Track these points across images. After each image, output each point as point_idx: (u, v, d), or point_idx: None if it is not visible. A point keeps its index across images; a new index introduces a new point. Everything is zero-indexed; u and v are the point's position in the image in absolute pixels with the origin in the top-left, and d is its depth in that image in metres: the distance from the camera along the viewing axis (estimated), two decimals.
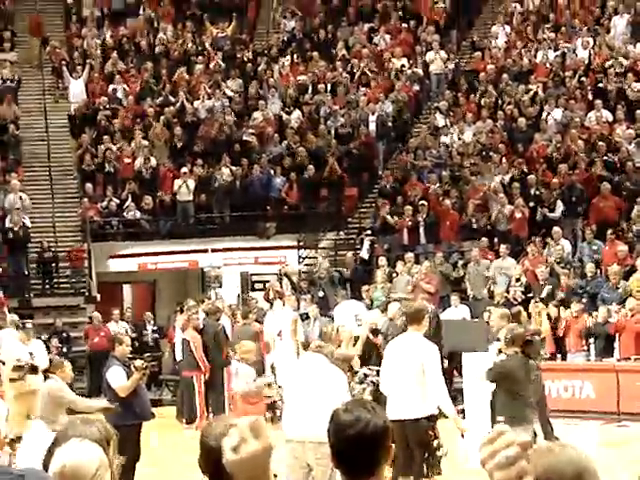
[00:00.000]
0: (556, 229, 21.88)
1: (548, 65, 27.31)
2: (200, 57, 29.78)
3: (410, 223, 24.06)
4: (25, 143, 27.75)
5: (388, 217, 24.27)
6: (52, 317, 23.42)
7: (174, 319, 21.52)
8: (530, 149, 24.79)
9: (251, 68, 29.59)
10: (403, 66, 28.62)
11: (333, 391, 8.92)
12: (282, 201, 26.21)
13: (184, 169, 25.76)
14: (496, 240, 22.88)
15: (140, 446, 11.31)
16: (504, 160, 24.69)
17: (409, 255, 22.89)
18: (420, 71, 28.61)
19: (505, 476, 2.35)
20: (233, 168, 26.15)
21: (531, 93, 26.40)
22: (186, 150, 27.01)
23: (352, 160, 26.57)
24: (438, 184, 24.91)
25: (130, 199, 25.59)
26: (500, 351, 11.12)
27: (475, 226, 23.60)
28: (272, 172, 26.35)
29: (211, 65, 29.50)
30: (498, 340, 11.68)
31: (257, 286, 25.89)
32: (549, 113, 25.63)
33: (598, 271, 20.78)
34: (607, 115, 25.04)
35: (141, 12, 31.51)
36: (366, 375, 13.35)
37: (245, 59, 29.95)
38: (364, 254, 24.55)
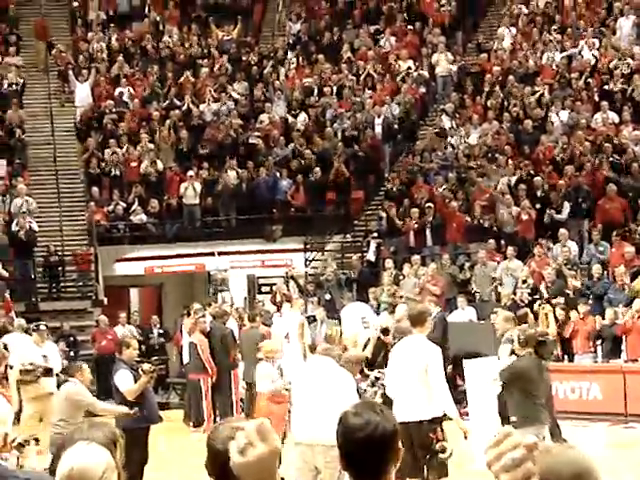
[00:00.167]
0: (562, 231, 21.83)
1: (554, 67, 27.28)
2: (206, 60, 29.84)
3: (417, 225, 24.04)
4: (31, 147, 27.76)
5: (395, 219, 24.27)
6: (59, 321, 23.38)
7: (181, 322, 21.51)
8: (536, 151, 24.75)
9: (257, 71, 29.63)
10: (409, 68, 28.61)
11: (342, 394, 8.92)
12: (288, 204, 26.22)
13: (190, 172, 25.79)
14: (503, 242, 22.84)
15: (148, 449, 11.31)
16: (510, 162, 24.66)
17: (416, 257, 22.87)
18: (426, 73, 28.60)
19: (511, 478, 2.34)
20: (239, 171, 26.18)
21: (537, 95, 26.38)
22: (192, 153, 27.04)
23: (358, 163, 26.57)
24: (444, 186, 24.86)
25: (136, 203, 25.61)
26: (513, 352, 11.15)
27: (484, 226, 23.53)
28: (278, 175, 26.37)
29: (217, 68, 29.55)
30: (510, 342, 11.64)
31: (264, 289, 25.82)
32: (556, 114, 25.61)
33: (605, 272, 20.75)
34: (613, 116, 24.99)
35: (147, 15, 31.56)
36: (377, 378, 13.33)
37: (251, 62, 29.98)
38: (371, 256, 24.56)
